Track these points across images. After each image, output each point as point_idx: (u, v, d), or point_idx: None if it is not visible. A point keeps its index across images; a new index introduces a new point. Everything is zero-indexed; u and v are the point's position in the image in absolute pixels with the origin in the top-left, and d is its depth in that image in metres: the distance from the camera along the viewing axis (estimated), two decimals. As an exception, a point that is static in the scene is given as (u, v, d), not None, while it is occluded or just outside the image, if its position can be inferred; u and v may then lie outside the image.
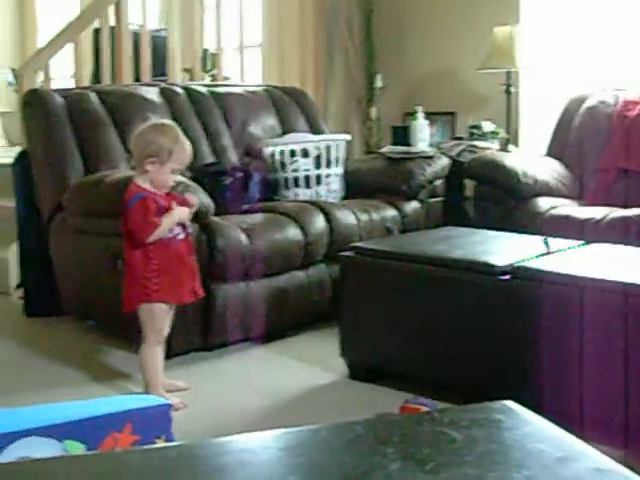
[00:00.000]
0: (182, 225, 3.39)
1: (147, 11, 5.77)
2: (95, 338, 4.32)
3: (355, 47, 6.39)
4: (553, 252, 3.37)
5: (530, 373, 3.00)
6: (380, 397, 3.42)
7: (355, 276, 3.65)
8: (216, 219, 3.99)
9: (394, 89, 6.29)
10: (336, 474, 1.02)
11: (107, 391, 3.55)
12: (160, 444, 1.57)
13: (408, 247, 3.59)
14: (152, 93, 4.93)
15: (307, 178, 4.84)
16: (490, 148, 5.33)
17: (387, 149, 5.28)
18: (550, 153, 5.20)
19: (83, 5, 7.42)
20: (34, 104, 4.56)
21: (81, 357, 4.03)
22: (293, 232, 4.22)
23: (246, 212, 4.44)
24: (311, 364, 3.86)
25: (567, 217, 4.41)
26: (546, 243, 3.45)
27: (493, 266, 3.19)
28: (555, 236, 3.60)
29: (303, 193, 4.82)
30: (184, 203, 3.43)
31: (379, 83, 6.24)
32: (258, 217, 4.29)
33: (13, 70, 7.80)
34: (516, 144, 5.62)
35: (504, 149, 5.35)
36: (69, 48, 5.32)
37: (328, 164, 4.88)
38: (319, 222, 4.35)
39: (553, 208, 4.55)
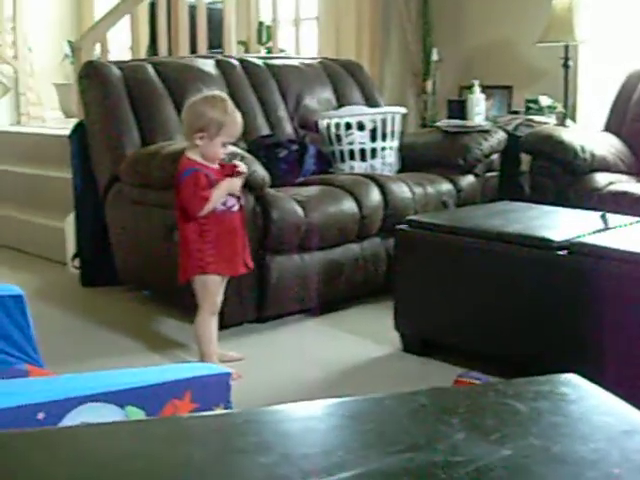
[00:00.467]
0: (237, 197, 3.39)
1: (203, -17, 5.77)
2: (150, 308, 4.36)
3: (411, 20, 6.35)
4: (611, 228, 3.33)
5: (586, 349, 2.97)
6: (433, 370, 3.42)
7: (410, 250, 3.65)
8: (271, 191, 3.99)
9: (450, 62, 6.24)
10: (402, 442, 1.02)
11: (162, 360, 3.59)
12: (224, 410, 1.58)
13: (463, 221, 3.57)
14: (208, 65, 4.94)
15: (362, 151, 4.83)
16: (547, 123, 5.27)
17: (443, 123, 5.24)
18: (608, 128, 5.14)
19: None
20: (91, 76, 4.59)
21: (136, 327, 4.07)
22: (348, 205, 4.21)
23: (301, 184, 4.45)
24: (364, 337, 3.87)
25: (625, 193, 4.35)
26: (604, 219, 3.40)
27: (550, 241, 3.16)
28: (612, 212, 3.55)
29: (358, 166, 4.81)
30: (234, 172, 3.43)
31: (435, 56, 6.19)
32: (313, 190, 4.29)
33: (70, 42, 7.86)
34: (573, 119, 5.56)
35: (561, 124, 5.28)
36: (126, 20, 5.34)
37: (384, 137, 4.85)
38: (374, 195, 4.33)
39: (611, 184, 4.50)
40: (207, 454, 1.04)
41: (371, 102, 5.49)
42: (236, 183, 3.39)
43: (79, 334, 4.02)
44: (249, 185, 3.68)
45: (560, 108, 5.43)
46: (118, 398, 1.58)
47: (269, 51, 6.38)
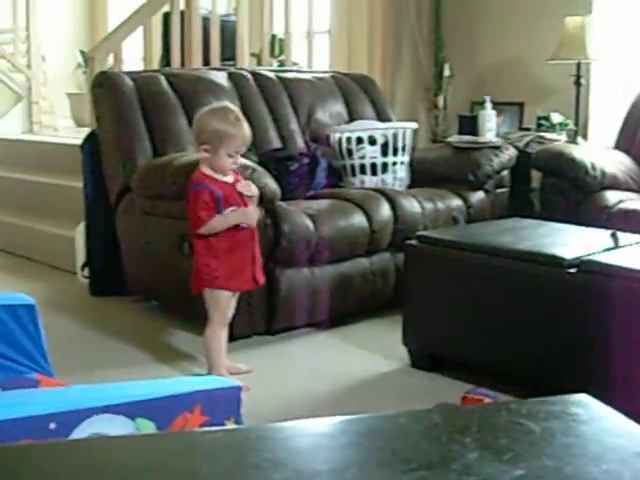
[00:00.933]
0: None
1: (217, -5, 5.80)
2: (159, 319, 4.36)
3: (424, 35, 6.36)
4: (621, 246, 3.33)
5: (596, 368, 2.97)
6: (441, 386, 3.42)
7: (419, 265, 3.65)
8: (282, 204, 4.00)
9: (462, 78, 6.25)
10: (415, 460, 1.02)
11: (171, 371, 3.59)
12: (234, 426, 1.59)
13: (473, 237, 3.57)
14: (221, 77, 4.96)
15: (373, 165, 4.83)
16: (558, 140, 5.28)
17: (454, 138, 5.25)
18: (619, 146, 5.14)
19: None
20: (104, 86, 4.61)
21: (145, 337, 4.08)
22: (358, 219, 4.22)
23: (312, 198, 4.46)
24: (373, 351, 3.87)
25: (635, 211, 4.35)
26: (614, 237, 3.40)
27: (561, 259, 3.16)
28: (622, 230, 3.55)
29: (369, 180, 4.81)
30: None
31: (447, 72, 6.20)
32: (324, 203, 4.30)
33: (82, 52, 7.90)
34: (585, 136, 5.57)
35: (572, 141, 5.29)
36: (139, 31, 5.37)
37: (395, 152, 4.86)
38: (384, 210, 4.34)
39: (621, 202, 4.50)
40: (220, 469, 1.04)
41: (382, 117, 5.51)
42: (250, 214, 3.38)
43: (88, 344, 4.03)
44: (260, 198, 3.69)
45: (571, 125, 5.44)
46: (129, 410, 1.59)
47: (281, 64, 6.40)
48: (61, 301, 4.76)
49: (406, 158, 4.93)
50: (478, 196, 4.84)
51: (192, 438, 1.17)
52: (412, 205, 4.47)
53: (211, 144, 3.30)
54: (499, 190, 5.00)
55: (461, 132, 5.55)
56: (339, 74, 5.70)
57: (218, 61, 5.69)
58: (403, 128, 4.96)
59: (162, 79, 4.73)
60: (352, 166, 4.84)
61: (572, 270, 3.11)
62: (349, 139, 4.87)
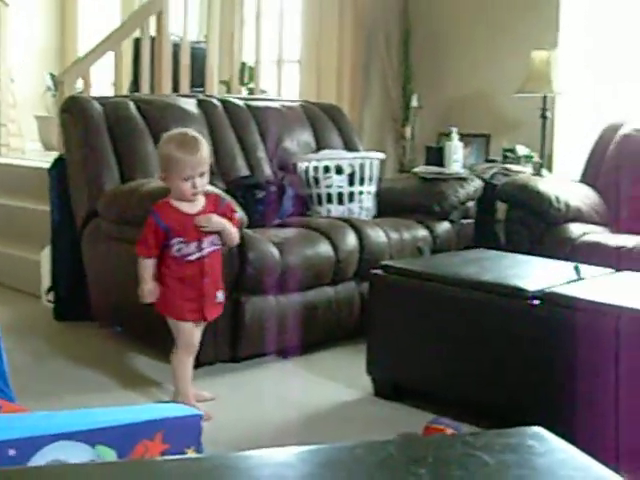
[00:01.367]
0: (199, 245, 3.33)
1: (187, 23, 5.81)
2: (123, 345, 4.34)
3: (392, 66, 6.41)
4: (584, 279, 3.37)
5: (558, 400, 3.00)
6: (404, 416, 3.42)
7: (384, 295, 3.66)
8: (248, 232, 4.01)
9: (429, 109, 6.30)
10: (370, 492, 1.04)
11: (134, 397, 3.58)
12: (194, 454, 1.59)
13: (438, 268, 3.60)
14: (190, 104, 4.97)
15: (340, 195, 4.86)
16: (523, 172, 5.32)
17: (420, 169, 5.29)
18: (584, 179, 5.19)
19: (124, 13, 7.52)
20: (73, 111, 4.61)
21: (109, 363, 4.06)
22: (324, 248, 4.24)
23: (279, 226, 4.47)
24: (337, 380, 3.87)
25: (598, 244, 4.40)
26: (577, 269, 3.44)
27: (523, 290, 3.19)
28: (586, 263, 3.59)
29: (335, 209, 4.83)
30: (228, 212, 3.43)
31: (415, 103, 6.25)
32: (290, 232, 4.32)
33: (52, 75, 7.89)
34: (549, 169, 5.62)
35: (537, 173, 5.35)
36: (109, 56, 5.37)
37: (361, 182, 4.89)
38: (350, 239, 4.36)
39: (584, 234, 4.54)
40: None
41: (350, 146, 5.54)
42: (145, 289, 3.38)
43: (52, 369, 4.00)
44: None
45: (536, 158, 5.50)
46: (89, 437, 1.59)
47: (251, 91, 6.42)
48: (25, 325, 4.73)
49: (373, 188, 4.96)
50: (444, 227, 4.88)
51: (151, 467, 1.18)
52: (378, 235, 4.49)
53: (164, 171, 3.32)
54: (464, 221, 5.04)
55: (428, 163, 5.58)
56: (308, 103, 5.73)
57: (188, 88, 5.71)
58: (370, 158, 4.99)
59: (131, 105, 4.74)
60: (319, 195, 4.87)
61: (535, 302, 3.14)
62: (316, 168, 4.89)
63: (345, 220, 4.55)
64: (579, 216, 4.74)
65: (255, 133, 5.16)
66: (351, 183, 4.88)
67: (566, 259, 3.79)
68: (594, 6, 5.67)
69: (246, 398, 3.65)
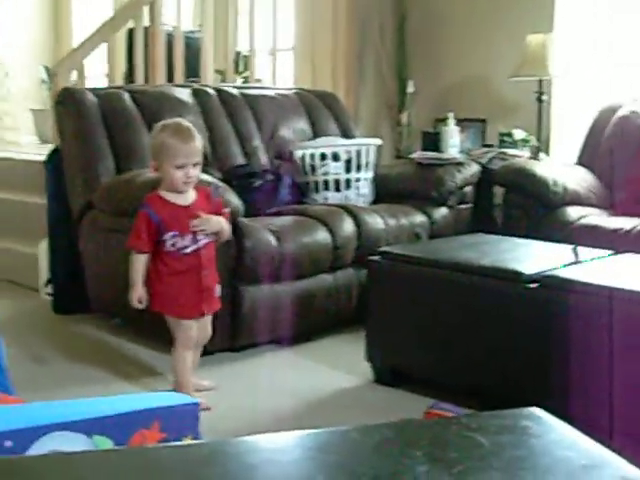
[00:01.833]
0: (194, 237, 3.30)
1: (181, 12, 5.79)
2: (122, 336, 4.34)
3: (387, 52, 6.40)
4: (582, 261, 3.36)
5: (556, 382, 2.99)
6: (404, 401, 3.42)
7: (382, 281, 3.66)
8: (245, 221, 4.00)
9: (425, 95, 6.29)
10: (365, 474, 1.03)
11: (133, 389, 3.58)
12: (191, 441, 1.59)
13: (436, 253, 3.59)
14: (184, 94, 4.96)
15: (337, 182, 4.85)
16: (520, 156, 5.32)
17: (417, 155, 5.28)
18: (581, 162, 5.19)
19: (117, 5, 7.49)
20: (67, 102, 4.60)
21: (108, 355, 4.06)
22: (322, 235, 4.23)
23: (275, 214, 4.46)
24: (336, 367, 3.87)
25: (596, 227, 4.39)
26: (575, 252, 3.44)
27: (521, 274, 3.18)
28: (584, 245, 3.59)
29: (333, 197, 4.83)
30: (217, 209, 3.41)
31: (410, 89, 6.23)
32: (287, 220, 4.31)
33: (46, 68, 7.87)
34: (547, 152, 5.61)
35: (534, 157, 5.33)
36: (103, 47, 5.36)
37: (358, 168, 4.89)
38: (348, 226, 4.36)
39: (582, 217, 4.54)
40: (172, 485, 1.05)
41: (346, 133, 5.53)
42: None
43: (50, 361, 4.00)
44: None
45: (533, 142, 5.49)
46: (86, 427, 1.58)
47: (246, 80, 6.41)
48: (23, 318, 4.73)
49: (369, 174, 4.96)
50: (441, 212, 4.87)
51: (145, 454, 1.17)
52: (375, 221, 4.49)
53: (157, 159, 3.28)
54: (462, 206, 5.03)
55: (424, 148, 5.58)
56: (303, 91, 5.72)
57: (182, 78, 5.70)
58: (367, 145, 4.99)
59: (126, 95, 4.73)
60: (315, 182, 4.86)
61: (533, 285, 3.13)
62: (313, 155, 4.89)
63: (342, 207, 4.54)
64: (577, 199, 4.73)
65: (251, 122, 5.15)
66: (348, 170, 4.88)
67: (565, 242, 3.79)
68: (588, -12, 5.66)
69: (245, 387, 3.65)
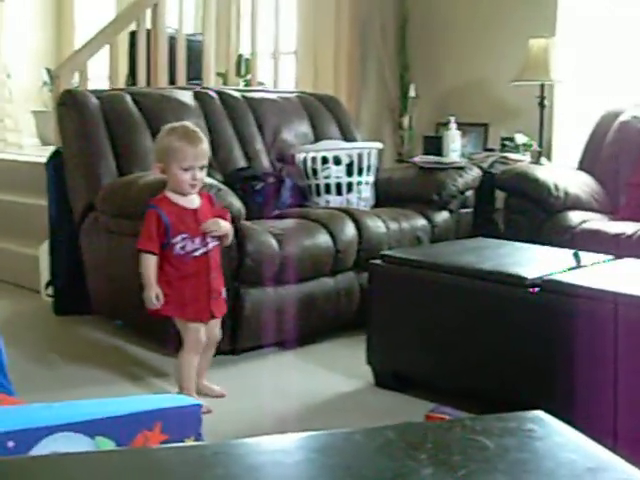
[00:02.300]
0: (204, 240, 3.31)
1: (183, 15, 5.79)
2: (122, 338, 4.34)
3: (389, 56, 6.40)
4: (583, 266, 3.36)
5: (558, 386, 2.99)
6: (404, 405, 3.42)
7: (384, 284, 3.66)
8: (247, 224, 4.00)
9: (427, 99, 6.29)
10: (369, 477, 1.03)
11: (134, 390, 3.58)
12: (194, 442, 1.58)
13: (437, 257, 3.59)
14: (186, 96, 4.96)
15: (338, 185, 4.85)
16: (522, 160, 5.32)
17: (419, 159, 5.28)
18: (582, 167, 5.19)
19: (120, 7, 7.49)
20: (69, 104, 4.60)
21: (108, 357, 4.05)
22: (323, 239, 4.23)
23: (277, 217, 4.46)
24: (337, 371, 3.87)
25: (597, 231, 4.39)
26: (576, 257, 3.43)
27: (523, 278, 3.18)
28: (585, 250, 3.58)
29: (334, 200, 4.83)
30: (221, 214, 3.41)
31: (412, 92, 6.24)
32: (289, 223, 4.31)
33: (48, 70, 7.87)
34: (548, 157, 5.61)
35: (536, 162, 5.34)
36: (105, 50, 5.35)
37: (360, 172, 4.88)
38: (349, 229, 4.35)
39: (584, 222, 4.54)
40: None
41: (348, 137, 5.53)
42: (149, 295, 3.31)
43: (51, 362, 4.00)
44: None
45: (535, 146, 5.49)
46: (88, 428, 1.58)
47: (247, 83, 6.41)
48: (24, 320, 4.73)
49: (371, 178, 4.96)
50: (442, 216, 4.87)
51: (147, 455, 1.17)
52: (377, 225, 4.49)
53: (163, 162, 3.29)
54: (463, 210, 5.03)
55: (426, 152, 5.58)
56: (305, 94, 5.72)
57: (184, 80, 5.69)
58: (368, 148, 4.99)
59: (127, 98, 4.73)
60: (317, 186, 4.86)
61: (535, 289, 3.13)
62: (314, 159, 4.89)
63: (344, 210, 4.54)
64: (578, 204, 4.73)
65: (252, 125, 5.16)
66: (349, 173, 4.88)
67: (566, 247, 3.78)
68: (591, -7, 5.66)
69: (246, 389, 3.65)
